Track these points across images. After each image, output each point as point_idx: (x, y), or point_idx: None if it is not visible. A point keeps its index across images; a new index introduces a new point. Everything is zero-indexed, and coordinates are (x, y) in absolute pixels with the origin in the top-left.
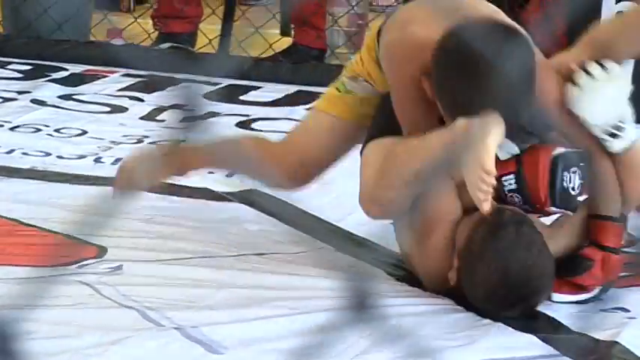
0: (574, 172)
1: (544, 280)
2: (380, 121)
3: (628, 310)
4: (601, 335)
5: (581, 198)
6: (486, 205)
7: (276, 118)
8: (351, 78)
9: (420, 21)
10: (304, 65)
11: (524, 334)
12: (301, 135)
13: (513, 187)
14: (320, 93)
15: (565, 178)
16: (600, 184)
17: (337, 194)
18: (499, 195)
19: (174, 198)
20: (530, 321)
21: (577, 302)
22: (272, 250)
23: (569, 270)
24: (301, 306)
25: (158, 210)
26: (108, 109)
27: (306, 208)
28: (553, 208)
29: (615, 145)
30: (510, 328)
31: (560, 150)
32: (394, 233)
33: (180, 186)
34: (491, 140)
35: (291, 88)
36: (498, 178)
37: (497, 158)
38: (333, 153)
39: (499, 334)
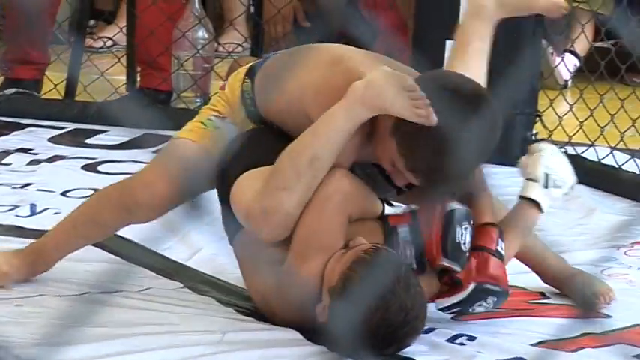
0: (465, 228)
1: (420, 321)
2: (246, 161)
3: (474, 338)
4: None
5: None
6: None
7: (123, 161)
8: (217, 117)
9: (349, 58)
10: (150, 108)
11: None
12: (176, 162)
13: (407, 238)
14: (167, 136)
15: (457, 233)
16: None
17: (183, 234)
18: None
19: (21, 240)
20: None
21: (457, 303)
22: (119, 287)
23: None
24: (145, 342)
25: (6, 250)
26: None
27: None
28: (443, 262)
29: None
30: None
31: (452, 206)
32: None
33: (29, 229)
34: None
35: (138, 132)
36: (394, 228)
37: (393, 211)
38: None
39: None
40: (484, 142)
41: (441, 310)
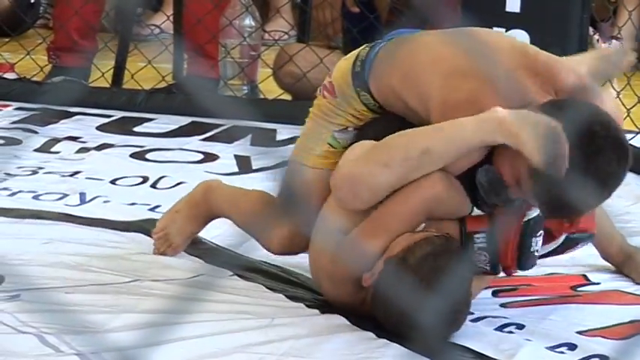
0: (539, 236)
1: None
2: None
3: (523, 326)
4: (499, 355)
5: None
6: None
7: (170, 149)
8: (341, 131)
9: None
10: (197, 96)
11: (419, 355)
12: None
13: (483, 245)
14: (214, 124)
15: (533, 243)
16: None
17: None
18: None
19: (72, 226)
20: (424, 342)
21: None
22: (168, 276)
23: None
24: (200, 329)
25: (56, 239)
26: (2, 141)
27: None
28: (517, 272)
29: None
30: (404, 348)
31: (530, 214)
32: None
33: (79, 217)
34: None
35: (185, 120)
36: (470, 234)
37: (469, 213)
38: None
39: (396, 354)
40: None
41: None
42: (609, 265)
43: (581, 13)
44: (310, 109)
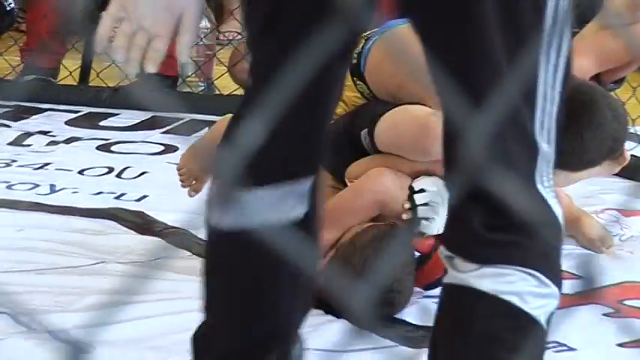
0: None
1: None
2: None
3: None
4: None
5: None
6: None
7: (134, 141)
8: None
9: None
10: (158, 92)
11: (362, 330)
12: None
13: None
14: (174, 118)
15: None
16: None
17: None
18: None
19: (43, 214)
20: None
21: None
22: (131, 258)
23: None
24: (162, 308)
25: (28, 226)
26: None
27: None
28: None
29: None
30: (349, 324)
31: None
32: None
33: (48, 205)
34: None
35: (147, 114)
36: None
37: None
38: None
39: (341, 328)
40: None
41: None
42: None
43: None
44: None
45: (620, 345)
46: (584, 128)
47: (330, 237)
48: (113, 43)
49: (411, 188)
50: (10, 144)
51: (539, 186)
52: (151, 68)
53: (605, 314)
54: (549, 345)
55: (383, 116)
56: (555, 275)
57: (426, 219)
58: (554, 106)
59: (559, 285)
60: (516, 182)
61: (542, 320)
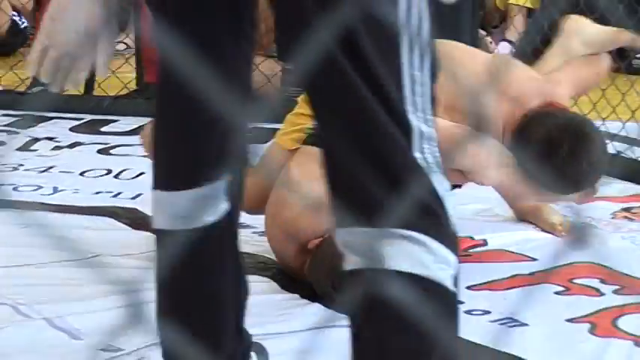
0: None
1: None
2: None
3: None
4: None
5: None
6: None
7: (131, 145)
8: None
9: None
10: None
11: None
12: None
13: None
14: None
15: None
16: None
17: None
18: None
19: (45, 214)
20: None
21: None
22: (125, 251)
23: None
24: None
25: (29, 224)
26: None
27: None
28: None
29: None
30: (323, 307)
31: None
32: None
33: (50, 204)
34: None
35: (145, 120)
36: None
37: None
38: None
39: (314, 311)
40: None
41: None
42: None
43: (472, 23)
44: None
45: (569, 320)
46: (583, 159)
47: (319, 228)
48: (42, 68)
49: None
50: (18, 149)
51: (416, 154)
52: (74, 87)
53: (556, 292)
54: (503, 321)
55: None
56: (444, 238)
57: None
58: (426, 88)
59: (453, 249)
60: (392, 151)
61: (448, 284)
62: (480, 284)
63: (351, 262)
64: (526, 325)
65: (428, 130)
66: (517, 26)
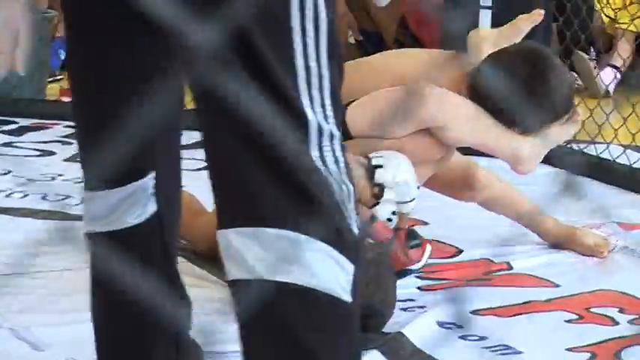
0: None
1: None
2: None
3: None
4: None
5: None
6: None
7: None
8: None
9: None
10: None
11: None
12: None
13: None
14: None
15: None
16: None
17: None
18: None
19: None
20: None
21: None
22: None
23: None
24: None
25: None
26: (38, 153)
27: None
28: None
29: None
30: None
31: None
32: None
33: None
34: None
35: None
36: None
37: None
38: None
39: None
40: None
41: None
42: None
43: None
44: None
45: (569, 349)
46: (549, 75)
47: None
48: None
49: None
50: (65, 160)
51: (313, 153)
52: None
53: (567, 320)
54: (496, 348)
55: (350, 105)
56: (338, 243)
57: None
58: (326, 81)
59: (349, 255)
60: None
61: (339, 293)
62: (487, 309)
63: (234, 272)
64: (520, 352)
65: (328, 128)
66: (622, 52)
